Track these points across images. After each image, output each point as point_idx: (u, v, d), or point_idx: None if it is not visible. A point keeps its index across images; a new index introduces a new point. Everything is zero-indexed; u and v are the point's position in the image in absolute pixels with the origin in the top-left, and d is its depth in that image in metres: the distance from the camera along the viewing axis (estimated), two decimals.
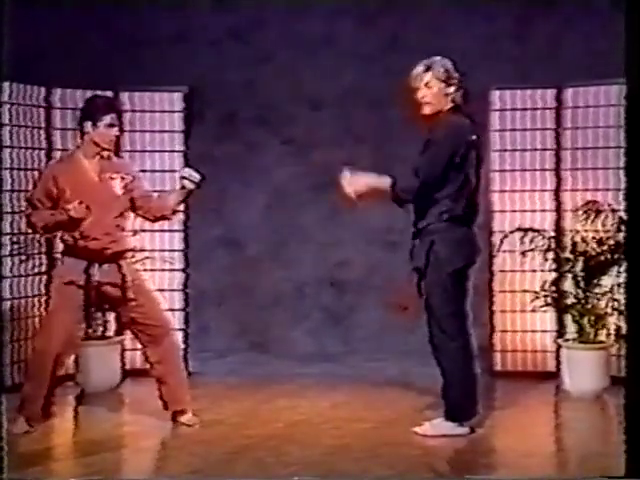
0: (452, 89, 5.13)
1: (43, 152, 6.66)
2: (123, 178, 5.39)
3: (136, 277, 5.45)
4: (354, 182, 5.08)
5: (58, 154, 6.71)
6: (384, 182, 5.08)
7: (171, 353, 5.51)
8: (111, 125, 5.32)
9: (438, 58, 5.17)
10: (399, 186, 5.05)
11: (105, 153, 5.37)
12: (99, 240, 5.30)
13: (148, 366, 5.53)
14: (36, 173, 6.52)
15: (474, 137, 5.14)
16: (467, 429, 5.20)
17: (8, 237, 6.34)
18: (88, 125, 5.31)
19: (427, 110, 5.16)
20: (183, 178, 5.37)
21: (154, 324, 5.43)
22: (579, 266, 6.26)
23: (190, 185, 5.35)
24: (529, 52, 6.97)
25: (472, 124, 5.16)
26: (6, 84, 6.34)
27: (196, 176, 5.34)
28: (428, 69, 5.14)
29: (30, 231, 5.84)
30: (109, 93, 6.87)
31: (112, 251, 5.34)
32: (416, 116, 5.18)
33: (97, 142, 5.32)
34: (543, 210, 6.77)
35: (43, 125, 6.66)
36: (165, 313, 5.70)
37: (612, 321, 6.20)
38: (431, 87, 5.12)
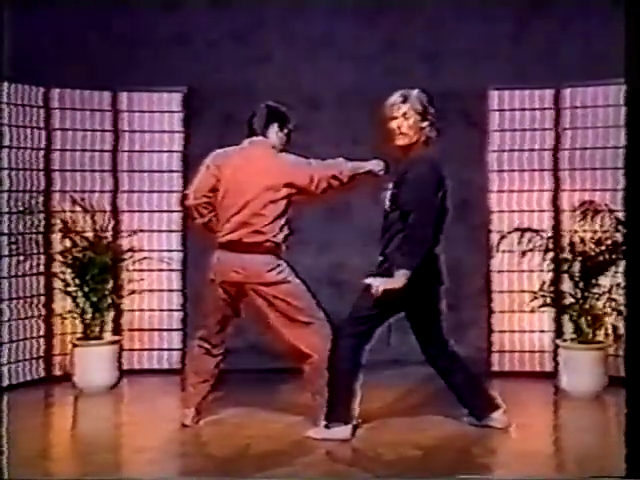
0: (426, 123, 5.09)
1: (42, 152, 6.66)
2: None
3: None
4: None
5: (57, 154, 6.73)
6: None
7: None
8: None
9: (416, 91, 5.13)
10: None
11: None
12: None
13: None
14: (34, 172, 6.55)
15: (445, 173, 5.10)
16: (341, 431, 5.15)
17: (6, 237, 6.36)
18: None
19: (401, 141, 5.11)
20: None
21: None
22: (577, 266, 6.28)
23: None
24: (528, 52, 6.96)
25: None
26: (5, 84, 6.35)
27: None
28: (405, 100, 5.09)
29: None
30: (108, 93, 6.90)
31: None
32: (388, 146, 5.15)
33: None
34: (541, 210, 6.78)
35: (42, 125, 6.67)
36: None
37: (610, 321, 6.22)
38: (408, 118, 5.07)
